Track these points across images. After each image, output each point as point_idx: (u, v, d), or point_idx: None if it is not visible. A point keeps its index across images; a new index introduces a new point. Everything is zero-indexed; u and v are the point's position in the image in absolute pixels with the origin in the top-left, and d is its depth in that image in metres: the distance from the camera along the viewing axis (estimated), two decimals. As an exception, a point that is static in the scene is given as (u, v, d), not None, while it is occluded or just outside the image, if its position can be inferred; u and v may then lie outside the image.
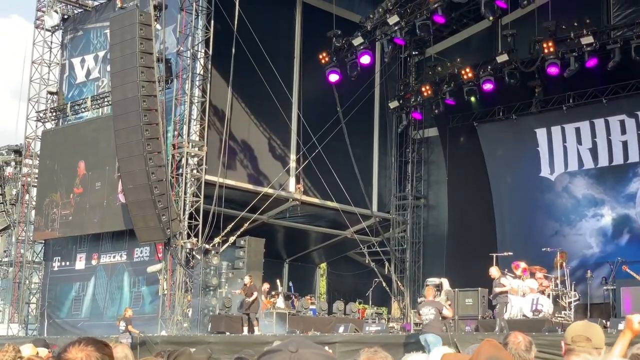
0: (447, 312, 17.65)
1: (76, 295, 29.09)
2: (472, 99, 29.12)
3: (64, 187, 29.22)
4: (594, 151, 27.36)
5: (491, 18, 25.88)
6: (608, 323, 18.27)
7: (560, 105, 27.90)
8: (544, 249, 23.10)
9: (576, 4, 26.51)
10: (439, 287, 20.29)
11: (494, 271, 19.82)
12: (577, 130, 27.80)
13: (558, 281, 21.22)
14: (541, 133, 28.58)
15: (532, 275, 21.45)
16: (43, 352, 7.71)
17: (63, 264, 29.78)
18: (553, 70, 26.27)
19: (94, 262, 28.57)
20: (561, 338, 4.73)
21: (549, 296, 20.66)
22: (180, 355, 3.57)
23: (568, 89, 27.43)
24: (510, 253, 22.84)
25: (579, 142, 27.69)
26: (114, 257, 27.94)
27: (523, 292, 20.60)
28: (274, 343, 4.53)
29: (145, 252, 26.73)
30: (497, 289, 19.52)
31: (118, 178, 26.51)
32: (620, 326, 17.78)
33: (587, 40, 25.12)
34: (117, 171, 26.55)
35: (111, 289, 27.82)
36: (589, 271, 23.59)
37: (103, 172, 27.92)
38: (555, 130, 28.23)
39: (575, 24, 25.74)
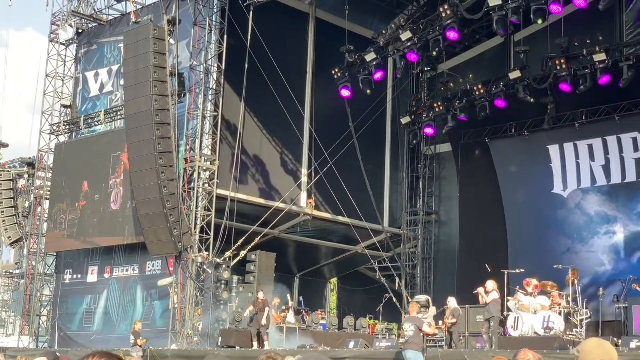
0: (427, 328, 17.76)
1: (87, 308, 29.10)
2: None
3: (70, 198, 29.52)
4: (606, 168, 27.29)
5: (502, 34, 25.87)
6: (620, 341, 18.16)
7: (572, 122, 27.87)
8: (555, 266, 22.96)
9: (589, 21, 26.46)
10: (425, 305, 20.27)
11: (490, 284, 20.01)
12: (590, 147, 27.73)
13: (570, 299, 21.07)
14: (554, 150, 28.53)
15: (544, 292, 21.33)
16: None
17: (75, 276, 29.82)
18: (565, 87, 26.26)
19: (106, 276, 28.61)
20: (573, 357, 4.74)
21: (560, 314, 20.52)
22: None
23: (580, 106, 27.41)
24: (522, 270, 22.71)
25: (592, 159, 27.63)
26: (127, 270, 27.97)
27: (534, 310, 20.47)
28: (286, 359, 4.54)
29: (157, 266, 26.77)
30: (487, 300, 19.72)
31: (112, 189, 27.71)
32: (632, 345, 17.69)
33: (600, 57, 25.10)
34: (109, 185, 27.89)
35: (124, 303, 27.84)
36: (600, 289, 23.46)
37: (101, 186, 28.59)
38: (568, 147, 28.18)
39: (588, 41, 25.71)
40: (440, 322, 22.44)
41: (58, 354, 9.95)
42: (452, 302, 20.94)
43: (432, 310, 20.84)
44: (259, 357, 5.99)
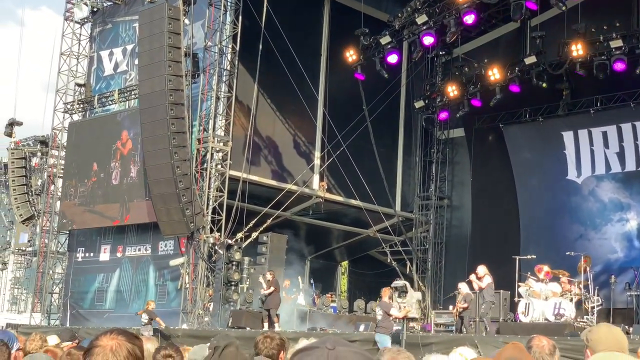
0: (395, 312, 18.51)
1: (99, 287, 29.25)
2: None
3: (78, 177, 30.06)
4: (621, 155, 27.17)
5: (517, 19, 25.70)
6: (631, 329, 18.14)
7: (587, 108, 27.74)
8: (568, 253, 22.90)
9: (606, 7, 26.31)
10: (403, 290, 20.30)
11: (480, 269, 20.11)
12: (604, 134, 27.61)
13: (581, 285, 21.06)
14: (568, 136, 28.41)
15: (556, 279, 21.32)
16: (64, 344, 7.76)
17: (87, 254, 29.96)
18: (581, 73, 26.11)
19: (119, 255, 28.72)
20: (583, 344, 4.72)
21: (571, 300, 20.52)
22: (229, 346, 3.59)
23: (596, 92, 27.27)
24: (533, 256, 22.72)
25: (606, 145, 27.50)
26: (139, 249, 28.08)
27: (545, 296, 20.48)
28: (300, 340, 4.55)
29: (170, 246, 26.85)
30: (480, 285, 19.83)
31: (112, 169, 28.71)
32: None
33: (617, 43, 24.96)
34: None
35: (137, 282, 27.95)
36: (612, 276, 23.44)
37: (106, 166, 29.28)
38: (582, 133, 28.06)
39: (605, 27, 25.56)
40: (451, 307, 22.50)
41: (76, 334, 9.96)
42: (463, 287, 20.98)
43: (415, 294, 20.74)
44: (257, 337, 6.01)
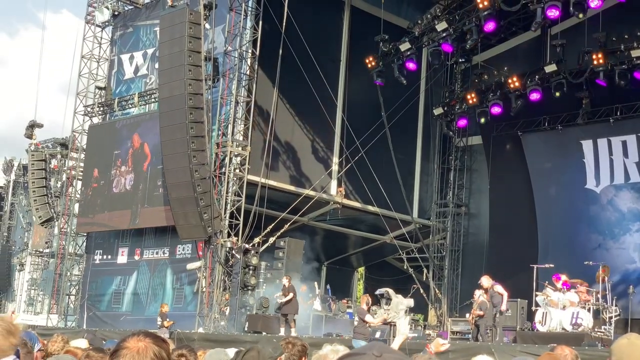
0: (369, 318, 18.71)
1: (116, 289, 29.36)
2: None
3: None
4: (640, 165, 27.03)
5: (539, 29, 25.63)
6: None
7: (607, 117, 27.62)
8: (586, 262, 22.79)
9: (627, 16, 26.16)
10: (385, 296, 20.27)
11: (485, 281, 19.99)
12: (624, 143, 27.47)
13: (599, 295, 20.96)
14: (587, 145, 28.29)
15: (573, 288, 21.21)
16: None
17: (105, 257, 30.09)
18: (601, 82, 26.01)
19: (136, 258, 28.83)
20: (602, 352, 4.70)
21: (589, 310, 20.42)
22: (251, 351, 3.61)
23: (615, 101, 27.14)
24: (551, 265, 22.63)
25: (626, 155, 27.37)
26: (157, 253, 28.17)
27: (563, 305, 20.39)
28: (324, 346, 4.55)
29: (187, 250, 26.93)
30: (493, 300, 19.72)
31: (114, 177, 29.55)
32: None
33: (637, 53, 24.86)
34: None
35: (154, 285, 28.05)
36: (631, 286, 23.23)
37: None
38: (602, 142, 27.93)
39: (626, 36, 25.45)
40: (468, 315, 22.40)
41: (103, 340, 10.00)
42: (478, 294, 20.91)
43: (405, 301, 20.54)
44: (280, 342, 6.03)
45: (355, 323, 18.98)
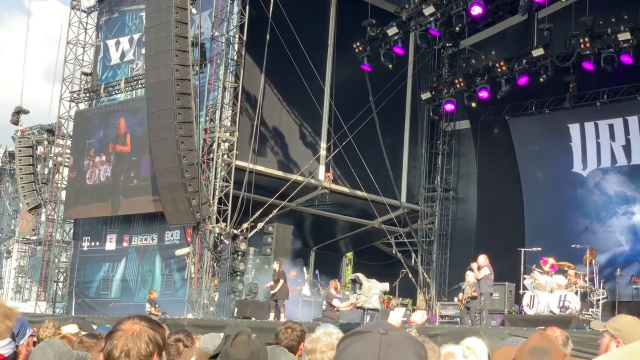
0: (337, 302, 19.01)
1: (105, 276, 29.31)
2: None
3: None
4: (627, 148, 27.14)
5: (526, 13, 25.63)
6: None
7: (594, 101, 27.69)
8: (573, 246, 22.89)
9: (614, 0, 26.23)
10: (356, 280, 20.40)
11: (481, 259, 20.04)
12: (611, 126, 27.57)
13: (587, 278, 21.07)
14: (574, 128, 28.38)
15: (561, 271, 21.31)
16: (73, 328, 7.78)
17: (93, 244, 30.02)
18: (588, 65, 26.07)
19: (125, 244, 28.78)
20: (590, 335, 4.72)
21: (576, 293, 20.52)
22: (241, 334, 3.62)
23: (602, 85, 27.22)
24: (539, 249, 22.71)
25: (612, 138, 27.47)
26: (145, 239, 28.13)
27: (551, 288, 20.47)
28: (316, 329, 4.56)
29: (176, 236, 26.90)
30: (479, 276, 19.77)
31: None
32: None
33: (624, 36, 24.90)
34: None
35: (143, 272, 28.02)
36: (618, 269, 23.40)
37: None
38: (589, 126, 28.02)
39: (613, 19, 25.49)
40: (456, 299, 22.49)
41: (94, 326, 9.97)
42: (470, 276, 21.02)
43: (379, 286, 20.61)
44: (278, 327, 6.04)
45: (324, 307, 19.36)
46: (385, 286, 20.87)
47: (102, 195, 29.02)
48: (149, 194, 26.91)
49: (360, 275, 20.29)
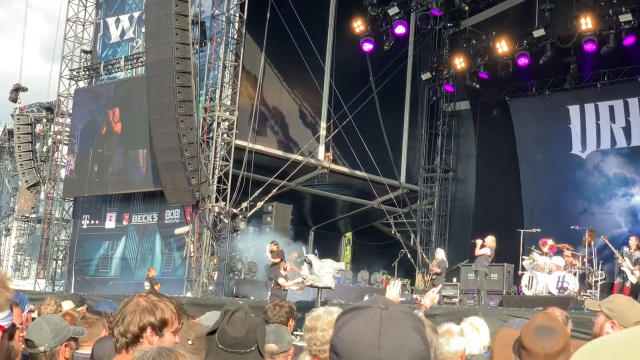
0: (282, 281, 19.81)
1: (104, 254, 29.33)
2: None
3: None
4: (627, 130, 27.12)
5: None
6: (635, 303, 18.13)
7: (594, 82, 27.64)
8: (572, 227, 22.97)
9: (616, -20, 26.16)
10: (307, 260, 20.51)
11: (488, 239, 20.15)
12: (611, 108, 27.54)
13: (585, 260, 21.13)
14: (574, 110, 28.35)
15: (560, 252, 21.38)
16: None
17: (92, 222, 30.02)
18: (590, 47, 26.02)
19: (124, 223, 28.80)
20: (588, 315, 4.74)
21: (575, 274, 20.60)
22: (238, 311, 3.63)
23: (603, 66, 27.16)
24: (538, 230, 22.75)
25: (612, 120, 27.44)
26: (145, 218, 28.14)
27: (549, 270, 20.55)
28: (318, 308, 4.57)
29: (176, 215, 26.90)
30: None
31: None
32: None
33: (626, 17, 24.83)
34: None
35: (142, 250, 28.04)
36: (616, 251, 23.44)
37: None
38: (589, 107, 27.98)
39: (615, 0, 25.40)
40: (426, 271, 22.92)
41: (85, 299, 10.05)
42: (440, 253, 21.52)
43: (334, 265, 20.59)
44: (266, 305, 6.07)
45: (272, 285, 20.08)
46: (341, 265, 21.26)
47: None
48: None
49: (311, 256, 20.52)
